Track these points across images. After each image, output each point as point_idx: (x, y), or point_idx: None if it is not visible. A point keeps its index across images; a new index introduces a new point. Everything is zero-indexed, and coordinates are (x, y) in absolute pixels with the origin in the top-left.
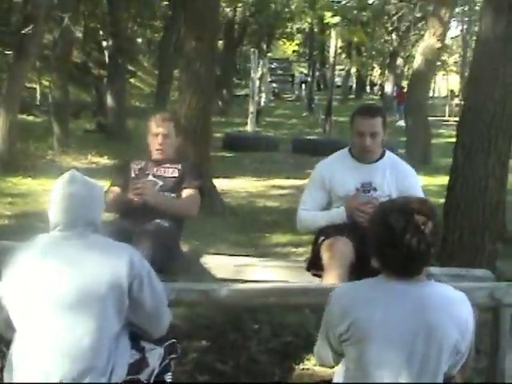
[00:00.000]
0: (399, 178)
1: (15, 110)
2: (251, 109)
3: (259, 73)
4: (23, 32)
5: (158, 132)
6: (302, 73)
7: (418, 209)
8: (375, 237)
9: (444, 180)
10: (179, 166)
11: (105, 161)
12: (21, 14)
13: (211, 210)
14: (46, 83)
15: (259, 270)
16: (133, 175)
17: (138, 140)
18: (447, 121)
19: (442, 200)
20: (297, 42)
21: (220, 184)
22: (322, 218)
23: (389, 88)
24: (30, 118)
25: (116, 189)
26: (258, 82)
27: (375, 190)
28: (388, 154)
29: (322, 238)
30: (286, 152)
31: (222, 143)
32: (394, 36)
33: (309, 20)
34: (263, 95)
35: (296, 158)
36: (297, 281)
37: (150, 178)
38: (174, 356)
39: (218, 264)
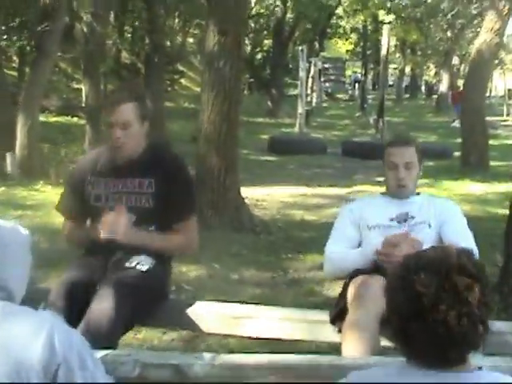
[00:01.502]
0: (437, 211)
1: (35, 113)
2: (300, 109)
3: (311, 72)
4: (42, 29)
5: (112, 121)
6: (355, 72)
7: (459, 266)
8: (395, 307)
9: (505, 187)
10: (153, 181)
11: None
12: (39, 11)
13: (239, 226)
14: None
15: (263, 323)
16: (88, 200)
17: (180, 144)
18: (505, 121)
19: (504, 211)
20: (351, 41)
21: (255, 193)
22: (353, 256)
23: (444, 87)
24: (74, 119)
25: (69, 224)
26: (310, 82)
27: (412, 218)
28: (423, 194)
29: (350, 277)
30: (335, 155)
31: (266, 146)
32: (449, 34)
33: (362, 18)
34: (314, 95)
35: (345, 162)
36: (314, 339)
37: (111, 204)
38: None
39: (212, 313)
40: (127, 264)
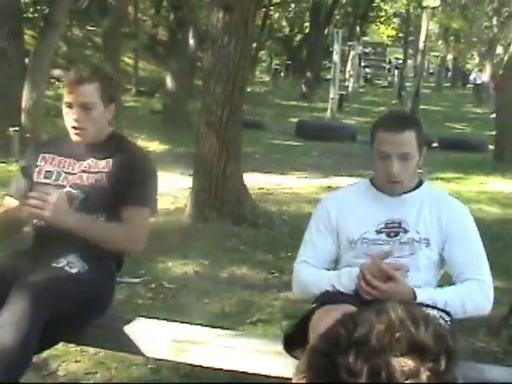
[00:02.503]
0: (443, 220)
1: (42, 86)
2: (332, 94)
3: (350, 56)
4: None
5: (70, 101)
6: (398, 58)
7: (408, 341)
8: None
9: None
10: (110, 160)
11: (155, 146)
12: None
13: (239, 218)
14: (128, 60)
15: (212, 351)
16: (36, 178)
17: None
18: None
19: None
20: (393, 26)
21: (267, 181)
22: (328, 280)
23: (485, 77)
24: None
25: (9, 200)
26: (348, 66)
27: (405, 231)
28: (427, 184)
29: (313, 306)
30: (364, 144)
31: (294, 131)
32: (494, 21)
33: (405, 2)
34: (351, 80)
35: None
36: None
37: (62, 183)
38: None
39: (151, 335)
40: (54, 264)
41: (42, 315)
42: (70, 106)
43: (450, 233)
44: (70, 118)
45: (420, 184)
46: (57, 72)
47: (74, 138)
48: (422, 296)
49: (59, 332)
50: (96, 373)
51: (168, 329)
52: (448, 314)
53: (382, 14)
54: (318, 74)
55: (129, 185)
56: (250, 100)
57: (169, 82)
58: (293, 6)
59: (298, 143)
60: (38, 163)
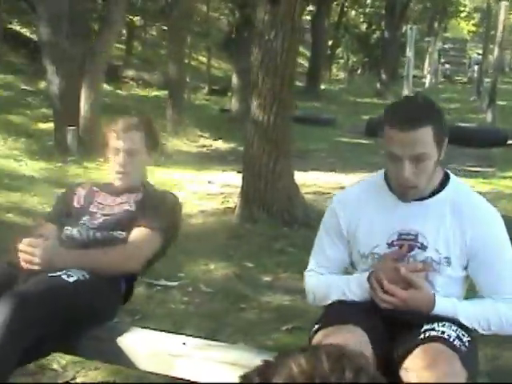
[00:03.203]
0: (467, 232)
1: (99, 86)
2: (405, 91)
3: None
4: None
5: (118, 147)
6: (479, 54)
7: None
8: None
9: None
10: (139, 195)
11: (218, 144)
12: None
13: (290, 219)
14: (202, 59)
15: (201, 366)
16: (76, 205)
17: None
18: None
19: None
20: (474, 22)
21: (326, 180)
22: (337, 286)
23: None
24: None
25: (49, 226)
26: (426, 62)
27: (423, 248)
28: (453, 182)
29: (317, 327)
30: None
31: (364, 128)
32: None
33: None
34: (428, 76)
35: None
36: None
37: (92, 209)
38: None
39: (146, 348)
40: (50, 273)
41: (28, 326)
42: (117, 152)
43: (475, 249)
44: (115, 162)
45: (445, 183)
46: (131, 72)
47: (117, 182)
48: (442, 306)
49: (52, 342)
50: (114, 381)
51: (165, 341)
52: (468, 332)
53: (462, 7)
54: (394, 70)
55: (144, 214)
56: (325, 97)
57: (234, 80)
58: (369, 2)
59: (366, 141)
60: (76, 191)
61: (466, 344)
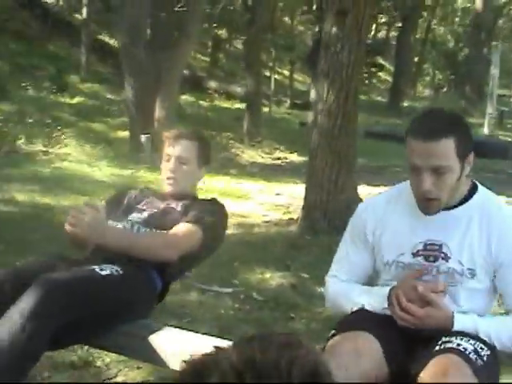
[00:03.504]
0: (493, 244)
1: (174, 96)
2: (489, 109)
3: None
4: (179, 9)
5: (169, 153)
6: None
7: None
8: None
9: None
10: (187, 202)
11: (293, 157)
12: None
13: None
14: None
15: None
16: (126, 203)
17: None
18: None
19: None
20: None
21: None
22: (359, 295)
23: None
24: None
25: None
26: None
27: (446, 258)
28: (481, 193)
29: (333, 332)
30: None
31: None
32: None
33: None
34: None
35: None
36: None
37: (140, 206)
38: None
39: (174, 346)
40: (85, 266)
41: (57, 311)
42: (168, 159)
43: (501, 259)
44: (166, 168)
45: (472, 192)
46: (214, 84)
47: (167, 188)
48: (461, 324)
49: (81, 332)
50: (149, 381)
51: (196, 342)
52: (488, 346)
53: None
54: (480, 88)
55: (188, 213)
56: (407, 114)
57: (313, 94)
58: (457, 20)
59: None
60: (128, 193)
61: (484, 358)
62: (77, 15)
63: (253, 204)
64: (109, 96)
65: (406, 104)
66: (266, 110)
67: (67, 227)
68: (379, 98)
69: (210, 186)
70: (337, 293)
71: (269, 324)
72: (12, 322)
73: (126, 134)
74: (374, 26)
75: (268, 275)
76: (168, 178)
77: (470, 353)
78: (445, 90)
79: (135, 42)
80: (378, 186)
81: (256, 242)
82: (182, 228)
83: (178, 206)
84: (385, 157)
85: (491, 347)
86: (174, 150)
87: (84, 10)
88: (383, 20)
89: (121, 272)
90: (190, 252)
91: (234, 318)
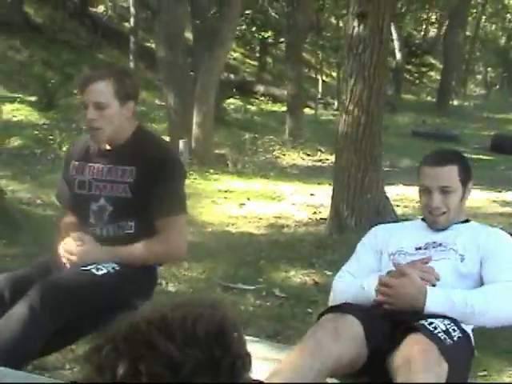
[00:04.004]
0: (480, 242)
1: (211, 100)
2: None
3: None
4: (213, 15)
5: (84, 101)
6: None
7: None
8: None
9: None
10: (134, 169)
11: (333, 158)
12: None
13: None
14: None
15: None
16: (74, 189)
17: (397, 137)
18: None
19: None
20: None
21: None
22: (355, 288)
23: None
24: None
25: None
26: None
27: (442, 247)
28: (474, 223)
29: (321, 313)
30: None
31: (490, 144)
32: None
33: None
34: None
35: None
36: None
37: (95, 192)
38: None
39: None
40: (82, 267)
41: (58, 309)
42: (85, 105)
43: (486, 253)
44: (86, 119)
45: (467, 221)
46: (262, 88)
47: (92, 139)
48: (435, 295)
49: (84, 327)
50: None
51: None
52: (462, 329)
53: None
54: None
55: (156, 195)
56: (456, 113)
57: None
58: (509, 16)
59: (488, 157)
60: (71, 174)
61: (455, 338)
62: (125, 24)
63: (286, 205)
64: (156, 102)
65: (455, 103)
66: (312, 112)
67: (65, 261)
68: (429, 98)
69: (247, 187)
70: (337, 288)
71: (287, 319)
72: (12, 321)
73: (167, 139)
74: (423, 26)
75: (292, 273)
76: (90, 129)
77: (439, 332)
78: (497, 87)
79: (173, 47)
80: (413, 185)
81: (284, 242)
82: (174, 227)
83: (124, 174)
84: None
85: (464, 331)
86: (87, 96)
87: (131, 19)
88: (433, 18)
89: (117, 268)
90: None
91: (253, 313)
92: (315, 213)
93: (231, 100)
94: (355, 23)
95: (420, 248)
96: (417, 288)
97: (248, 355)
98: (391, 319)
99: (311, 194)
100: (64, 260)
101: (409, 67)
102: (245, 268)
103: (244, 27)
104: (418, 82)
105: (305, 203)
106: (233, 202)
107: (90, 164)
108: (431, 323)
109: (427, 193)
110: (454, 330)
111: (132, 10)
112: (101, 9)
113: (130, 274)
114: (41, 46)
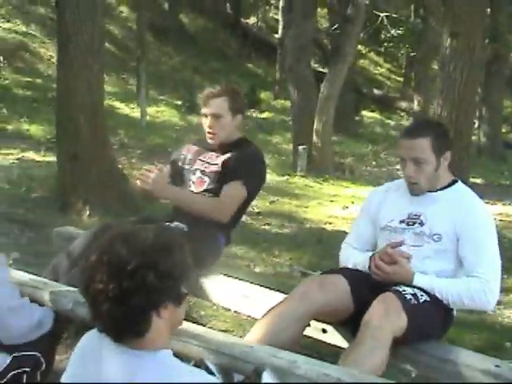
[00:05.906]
0: (457, 220)
1: (330, 112)
2: None
3: None
4: (334, 31)
5: (205, 113)
6: None
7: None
8: None
9: None
10: (227, 155)
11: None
12: (338, 15)
13: None
14: None
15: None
16: (181, 163)
17: None
18: None
19: None
20: None
21: (497, 211)
22: (356, 257)
23: None
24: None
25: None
26: None
27: (421, 224)
28: (459, 186)
29: (318, 273)
30: None
31: None
32: None
33: None
34: None
35: None
36: None
37: (195, 166)
38: (26, 369)
39: (224, 289)
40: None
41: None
42: (205, 117)
43: (461, 232)
44: (205, 125)
45: (452, 185)
46: (405, 104)
47: (209, 140)
48: (420, 281)
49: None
50: (233, 330)
51: (235, 285)
52: (429, 296)
53: None
54: None
55: (232, 168)
56: None
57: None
58: None
59: None
60: (183, 152)
61: (420, 301)
62: (275, 35)
63: (350, 209)
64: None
65: None
66: None
67: (138, 182)
68: None
69: (355, 193)
70: (346, 258)
71: None
72: None
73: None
74: None
75: None
76: (208, 133)
77: (406, 294)
78: None
79: (300, 59)
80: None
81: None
82: (229, 191)
83: (220, 158)
84: None
85: (433, 297)
86: (207, 109)
87: (279, 30)
88: None
89: (185, 229)
90: (239, 207)
91: None
92: None
93: (371, 114)
94: (448, 42)
95: (404, 221)
96: (406, 275)
97: (187, 267)
98: (377, 284)
99: None
100: (139, 181)
101: None
102: (328, 260)
103: (391, 44)
104: None
105: None
106: (337, 205)
107: (200, 148)
108: (404, 290)
109: (403, 163)
110: (421, 295)
111: (281, 21)
112: (252, 20)
113: (196, 237)
114: (192, 53)
